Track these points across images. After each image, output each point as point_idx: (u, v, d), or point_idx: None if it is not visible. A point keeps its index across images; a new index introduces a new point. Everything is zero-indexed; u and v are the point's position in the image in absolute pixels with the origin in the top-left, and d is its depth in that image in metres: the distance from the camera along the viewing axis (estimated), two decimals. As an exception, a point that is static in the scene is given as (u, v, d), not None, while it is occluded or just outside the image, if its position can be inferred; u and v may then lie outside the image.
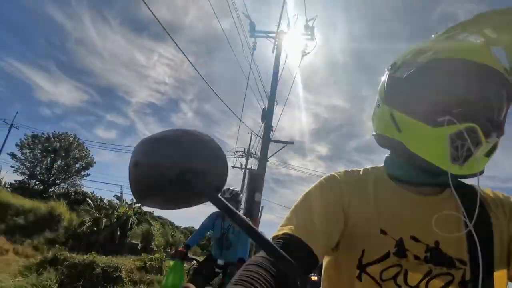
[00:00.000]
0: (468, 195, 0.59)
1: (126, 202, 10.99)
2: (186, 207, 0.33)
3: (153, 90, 59.15)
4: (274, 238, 0.57)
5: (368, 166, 0.72)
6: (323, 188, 0.66)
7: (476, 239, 0.51)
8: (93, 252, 5.43)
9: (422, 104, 0.57)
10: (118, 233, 9.79)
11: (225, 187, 3.33)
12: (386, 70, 0.66)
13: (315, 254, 0.54)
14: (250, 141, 16.53)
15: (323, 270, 0.70)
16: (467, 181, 0.64)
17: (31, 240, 9.90)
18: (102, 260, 5.27)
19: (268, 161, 7.34)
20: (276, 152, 8.46)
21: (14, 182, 23.75)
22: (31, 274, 4.92)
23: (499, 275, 0.55)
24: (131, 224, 10.39)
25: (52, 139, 25.20)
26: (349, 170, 0.71)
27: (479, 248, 0.51)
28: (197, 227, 3.34)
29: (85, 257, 5.15)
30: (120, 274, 5.24)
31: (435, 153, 0.54)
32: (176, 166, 0.29)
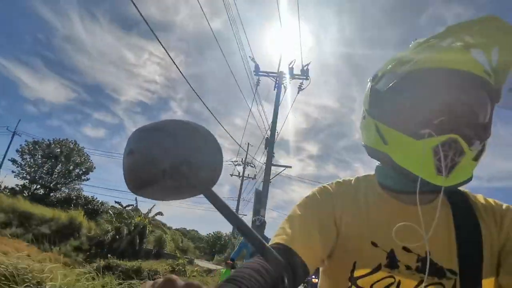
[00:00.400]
0: (459, 202, 0.62)
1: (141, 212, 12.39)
2: (179, 199, 0.33)
3: (143, 89, 58.90)
4: None
5: (359, 175, 0.73)
6: (316, 200, 0.67)
7: (428, 252, 0.53)
8: (139, 260, 6.90)
9: (405, 117, 0.57)
10: (137, 240, 11.22)
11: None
12: (368, 81, 0.67)
13: (306, 265, 0.55)
14: (246, 155, 18.03)
15: (320, 276, 0.72)
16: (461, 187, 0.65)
17: (59, 248, 11.13)
18: (145, 265, 6.75)
19: (271, 182, 8.97)
20: (276, 175, 10.12)
21: (15, 187, 24.43)
22: (92, 279, 6.35)
23: (488, 285, 0.55)
24: (147, 232, 11.83)
25: (53, 145, 25.90)
26: (341, 180, 0.72)
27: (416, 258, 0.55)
28: (188, 227, 4.89)
29: (133, 263, 6.61)
30: (160, 277, 6.74)
31: (420, 166, 0.54)
32: (171, 157, 0.29)
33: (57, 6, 53.29)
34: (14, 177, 24.60)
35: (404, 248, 0.58)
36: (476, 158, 0.55)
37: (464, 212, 0.60)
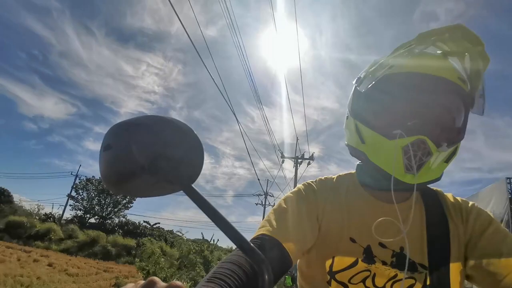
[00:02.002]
0: (431, 200, 0.66)
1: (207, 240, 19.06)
2: (159, 195, 0.32)
3: (142, 100, 56.35)
4: (252, 238, 0.59)
5: (341, 173, 0.76)
6: (300, 195, 0.69)
7: (407, 244, 0.56)
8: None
9: (380, 117, 0.61)
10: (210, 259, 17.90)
11: None
12: (353, 83, 0.69)
13: (289, 255, 0.56)
14: (267, 186, 24.70)
15: (297, 267, 0.73)
16: (434, 186, 0.68)
17: (162, 268, 17.56)
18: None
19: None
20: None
21: (71, 217, 30.73)
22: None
23: (455, 277, 0.59)
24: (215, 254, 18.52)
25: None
26: (323, 178, 0.75)
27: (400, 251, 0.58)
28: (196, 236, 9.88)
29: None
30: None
31: (391, 164, 0.57)
32: (151, 152, 0.29)
33: (52, 22, 50.63)
34: (71, 209, 30.83)
35: (380, 244, 0.61)
36: (447, 160, 0.59)
37: (435, 210, 0.64)
